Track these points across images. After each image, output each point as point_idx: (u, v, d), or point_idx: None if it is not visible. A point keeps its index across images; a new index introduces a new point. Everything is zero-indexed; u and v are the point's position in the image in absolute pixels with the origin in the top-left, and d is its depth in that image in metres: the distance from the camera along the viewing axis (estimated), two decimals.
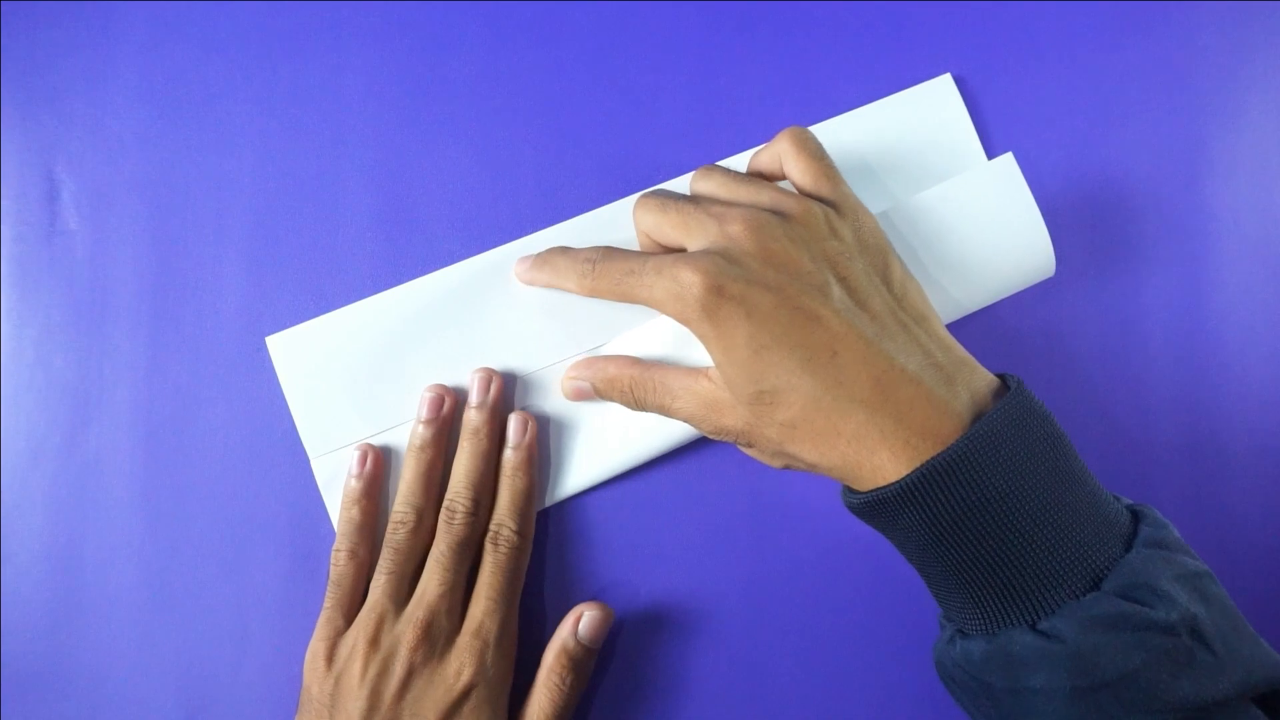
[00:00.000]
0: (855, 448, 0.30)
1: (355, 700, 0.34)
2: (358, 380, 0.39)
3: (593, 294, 0.35)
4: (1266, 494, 0.39)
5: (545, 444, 0.39)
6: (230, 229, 0.41)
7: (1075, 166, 0.40)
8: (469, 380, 0.38)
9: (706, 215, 0.32)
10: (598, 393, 0.37)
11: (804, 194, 0.34)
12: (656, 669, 0.38)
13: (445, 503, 0.37)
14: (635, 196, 0.37)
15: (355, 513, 0.38)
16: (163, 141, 0.41)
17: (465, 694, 0.35)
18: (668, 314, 0.32)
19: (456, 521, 0.37)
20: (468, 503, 0.37)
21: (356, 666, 0.35)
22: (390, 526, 0.37)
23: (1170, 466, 0.39)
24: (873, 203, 0.40)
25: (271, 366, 0.39)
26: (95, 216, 0.41)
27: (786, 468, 0.34)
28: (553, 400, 0.39)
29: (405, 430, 0.39)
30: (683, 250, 0.33)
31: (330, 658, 0.36)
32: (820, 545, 0.39)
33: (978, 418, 0.30)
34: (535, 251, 0.38)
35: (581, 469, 0.39)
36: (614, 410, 0.39)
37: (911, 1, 0.41)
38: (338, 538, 0.38)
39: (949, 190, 0.36)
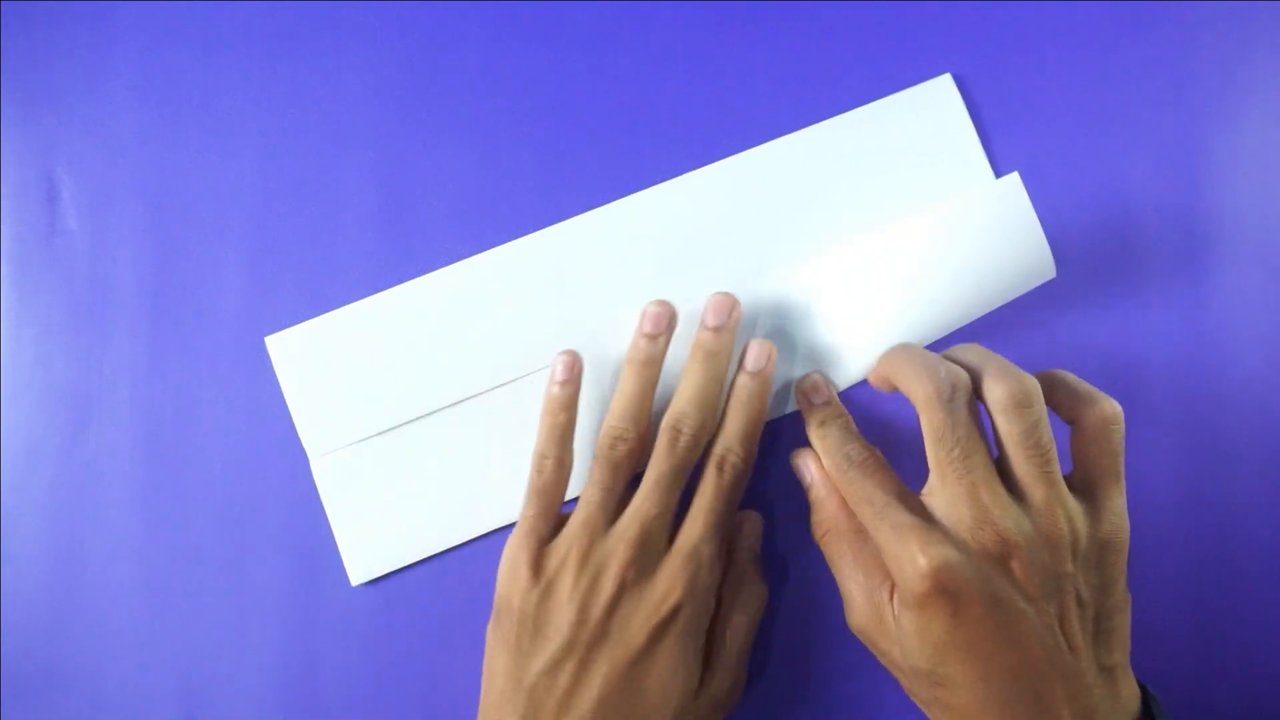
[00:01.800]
0: None
1: (564, 613, 0.34)
2: (357, 380, 0.39)
3: (837, 486, 0.35)
4: (1267, 494, 0.39)
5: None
6: (230, 229, 0.41)
7: (1075, 167, 0.40)
8: (706, 304, 0.37)
9: (972, 486, 0.31)
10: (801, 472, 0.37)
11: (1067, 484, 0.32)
12: None
13: (671, 421, 0.36)
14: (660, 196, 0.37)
15: (562, 419, 0.36)
16: (163, 141, 0.41)
17: (673, 615, 0.34)
18: (880, 549, 0.32)
19: (682, 443, 0.35)
20: (696, 425, 0.35)
21: (567, 580, 0.34)
22: (608, 441, 0.36)
23: (1170, 467, 0.39)
24: (872, 204, 0.40)
25: (271, 366, 0.39)
26: (95, 216, 0.41)
27: (909, 693, 0.34)
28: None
29: (406, 430, 0.39)
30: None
31: (537, 568, 0.35)
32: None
33: None
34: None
35: None
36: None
37: (911, 1, 0.41)
38: (542, 444, 0.36)
39: (952, 210, 0.36)
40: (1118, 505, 0.32)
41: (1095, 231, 0.40)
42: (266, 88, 0.41)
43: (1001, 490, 0.31)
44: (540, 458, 0.36)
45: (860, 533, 0.34)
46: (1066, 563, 0.31)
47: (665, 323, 0.37)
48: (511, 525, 0.38)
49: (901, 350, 0.35)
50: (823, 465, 0.36)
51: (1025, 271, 0.36)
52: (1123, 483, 0.33)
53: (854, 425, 0.36)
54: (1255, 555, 0.39)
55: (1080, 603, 0.31)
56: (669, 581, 0.34)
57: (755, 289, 0.39)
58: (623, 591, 0.34)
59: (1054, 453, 0.32)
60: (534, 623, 0.34)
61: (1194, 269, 0.40)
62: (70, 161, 0.41)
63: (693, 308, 0.38)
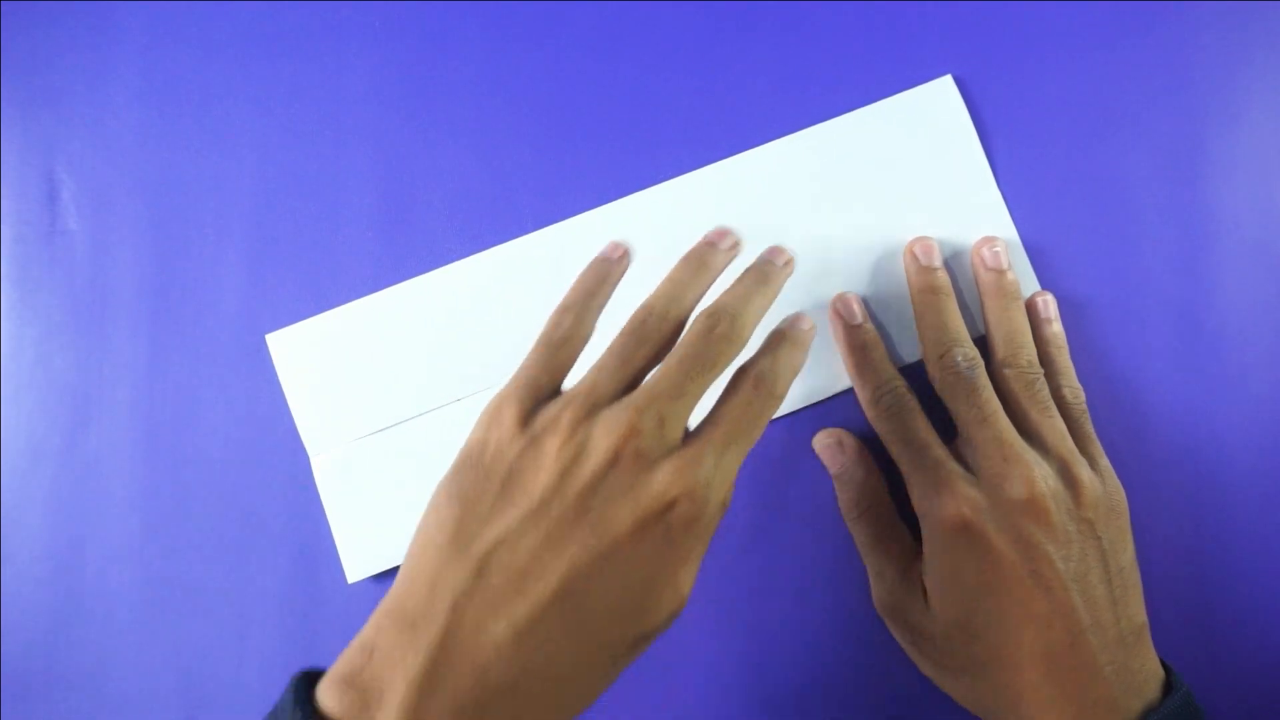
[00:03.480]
0: (1032, 716, 0.32)
1: (540, 473, 0.28)
2: (357, 378, 0.39)
3: (871, 421, 0.36)
4: (1267, 494, 0.39)
5: None
6: (230, 228, 0.41)
7: (1075, 167, 0.40)
8: (770, 248, 0.35)
9: (1000, 451, 0.33)
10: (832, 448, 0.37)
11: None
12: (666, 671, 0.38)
13: (710, 309, 0.31)
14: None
15: (595, 285, 0.32)
16: (163, 141, 0.41)
17: (664, 510, 0.28)
18: (913, 497, 0.34)
19: (718, 332, 0.30)
20: (738, 323, 0.31)
21: (554, 440, 0.28)
22: (639, 314, 0.31)
23: (1170, 466, 0.39)
24: (873, 205, 0.40)
25: (272, 365, 0.39)
26: (95, 216, 0.41)
27: (933, 677, 0.35)
28: None
29: (406, 428, 0.39)
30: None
31: (522, 421, 0.29)
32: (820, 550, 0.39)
33: (1145, 713, 0.32)
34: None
35: None
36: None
37: (912, 1, 0.41)
38: (569, 296, 0.32)
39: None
40: (1109, 466, 0.35)
41: (1095, 231, 0.40)
42: (266, 88, 0.41)
43: (1023, 441, 0.34)
44: (561, 311, 0.32)
45: (891, 508, 0.36)
46: (1087, 510, 0.33)
47: (730, 242, 0.34)
48: None
49: (928, 305, 0.37)
50: (857, 445, 0.37)
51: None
52: (1099, 445, 0.36)
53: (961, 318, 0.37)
54: (1255, 553, 0.39)
55: (1102, 555, 0.33)
56: (671, 475, 0.28)
57: None
58: (614, 468, 0.28)
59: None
60: (503, 480, 0.28)
61: (1192, 266, 0.40)
62: (70, 161, 0.41)
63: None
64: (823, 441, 0.38)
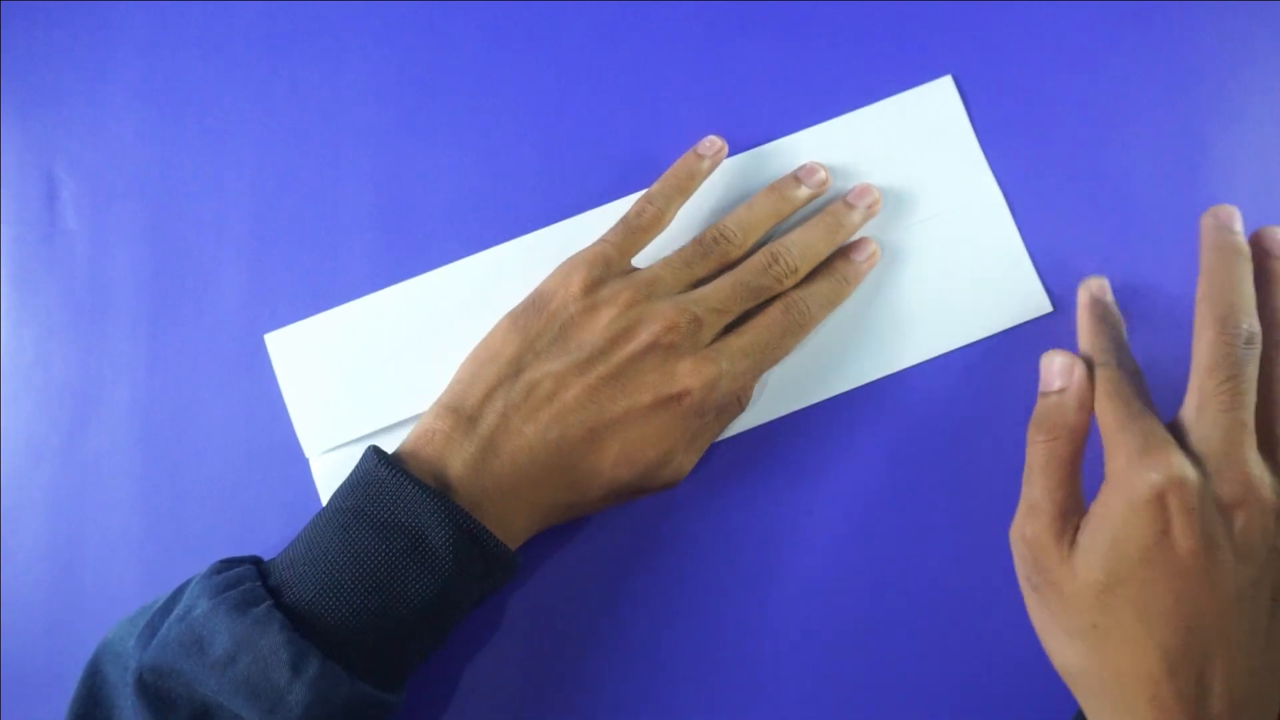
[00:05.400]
0: (1138, 707, 0.30)
1: (593, 334, 0.35)
2: (356, 378, 0.39)
3: (1101, 379, 0.33)
4: None
5: None
6: (230, 228, 0.41)
7: (1075, 168, 0.40)
8: (857, 190, 0.39)
9: (1231, 425, 0.30)
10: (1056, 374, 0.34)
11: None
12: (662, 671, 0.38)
13: (775, 246, 0.37)
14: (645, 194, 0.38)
15: (683, 180, 0.38)
16: (163, 141, 0.41)
17: (679, 396, 0.34)
18: (1109, 456, 0.31)
19: (775, 270, 0.36)
20: (796, 261, 0.36)
21: (611, 310, 0.35)
22: (711, 234, 0.37)
23: None
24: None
25: (271, 365, 0.39)
26: (95, 216, 0.41)
27: (1041, 627, 0.33)
28: None
29: (405, 429, 0.39)
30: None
31: (591, 286, 0.35)
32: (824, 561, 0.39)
33: None
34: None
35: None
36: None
37: (911, 2, 0.41)
38: (654, 189, 0.38)
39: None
40: None
41: (1095, 231, 0.40)
42: (266, 88, 0.41)
43: (1254, 440, 0.31)
44: (646, 200, 0.37)
45: (1080, 456, 0.33)
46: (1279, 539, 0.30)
47: (819, 179, 0.39)
48: None
49: (1223, 261, 0.33)
50: (1088, 378, 0.33)
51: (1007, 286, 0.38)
52: None
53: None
54: None
55: (1275, 590, 0.30)
56: (693, 367, 0.34)
57: None
58: (650, 351, 0.34)
59: None
60: (562, 328, 0.35)
61: (1191, 267, 0.40)
62: (70, 161, 0.41)
63: None
64: (1055, 359, 0.34)
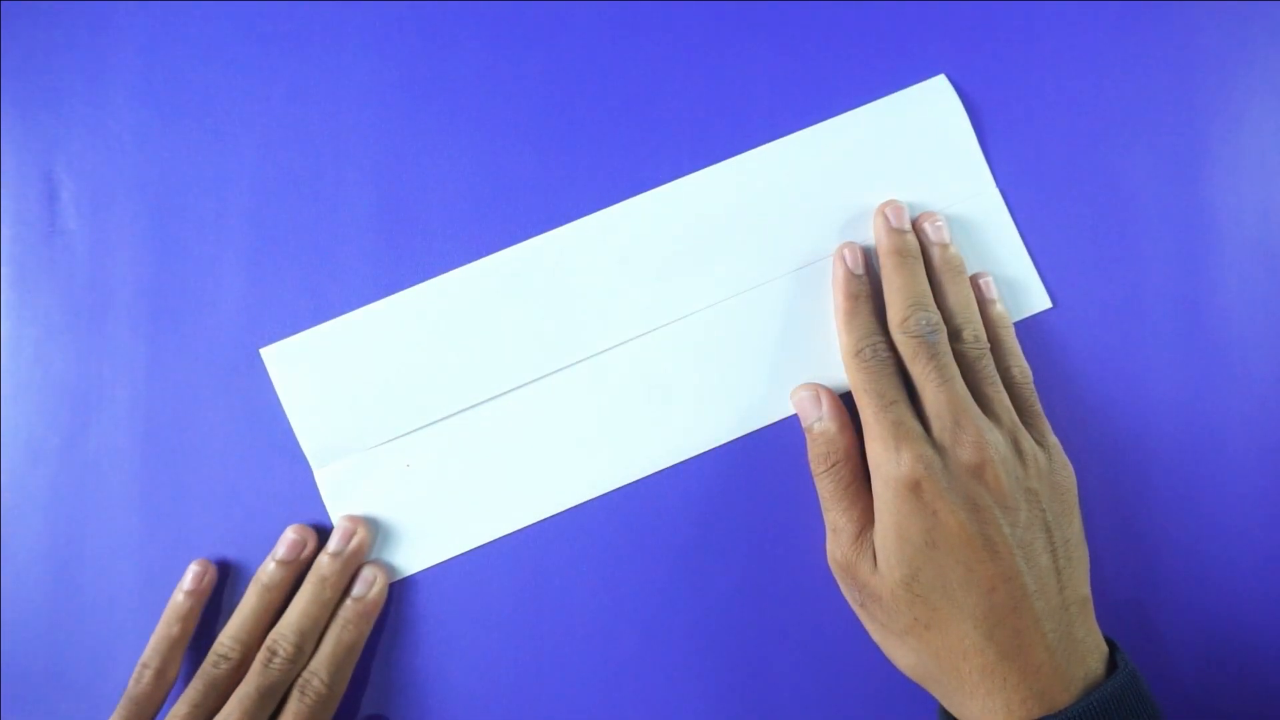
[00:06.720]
0: (974, 680, 0.32)
1: None
2: (358, 390, 0.39)
3: (848, 372, 0.37)
4: (1267, 494, 0.39)
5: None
6: (230, 228, 0.41)
7: (1074, 167, 0.40)
8: (335, 528, 0.38)
9: (954, 414, 0.34)
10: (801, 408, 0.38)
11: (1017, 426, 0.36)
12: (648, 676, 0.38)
13: (268, 642, 0.36)
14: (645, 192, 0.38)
15: (175, 630, 0.37)
16: (163, 141, 0.41)
17: None
18: (869, 452, 0.35)
19: (274, 665, 0.36)
20: (291, 648, 0.36)
21: None
22: (212, 658, 0.36)
23: (1170, 466, 0.39)
24: (871, 206, 0.40)
25: (266, 366, 0.39)
26: (95, 216, 0.41)
27: (880, 642, 0.35)
28: (549, 412, 0.39)
29: (406, 441, 0.39)
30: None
31: None
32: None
33: (1088, 688, 0.32)
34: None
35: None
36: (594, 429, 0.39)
37: (906, 0, 0.41)
38: (149, 652, 0.37)
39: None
40: (1057, 443, 0.36)
41: (1094, 231, 0.40)
42: (266, 88, 0.41)
43: (977, 407, 0.35)
44: (141, 665, 0.36)
45: (860, 467, 0.36)
46: (1033, 479, 0.34)
47: (298, 550, 0.38)
48: (512, 532, 0.39)
49: (900, 265, 0.37)
50: (835, 400, 0.37)
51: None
52: (1047, 423, 0.37)
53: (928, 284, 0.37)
54: (1255, 551, 0.39)
55: (1047, 526, 0.34)
56: None
57: (751, 296, 0.39)
58: None
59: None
60: None
61: (1192, 267, 0.40)
62: (70, 161, 0.41)
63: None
64: (800, 394, 0.38)
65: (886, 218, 0.38)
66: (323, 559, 0.38)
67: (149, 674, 0.36)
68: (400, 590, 0.39)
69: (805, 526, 0.39)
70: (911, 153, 0.40)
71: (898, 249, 0.38)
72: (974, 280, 0.39)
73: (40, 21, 0.41)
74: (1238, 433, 0.39)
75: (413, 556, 0.39)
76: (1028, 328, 0.40)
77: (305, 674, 0.36)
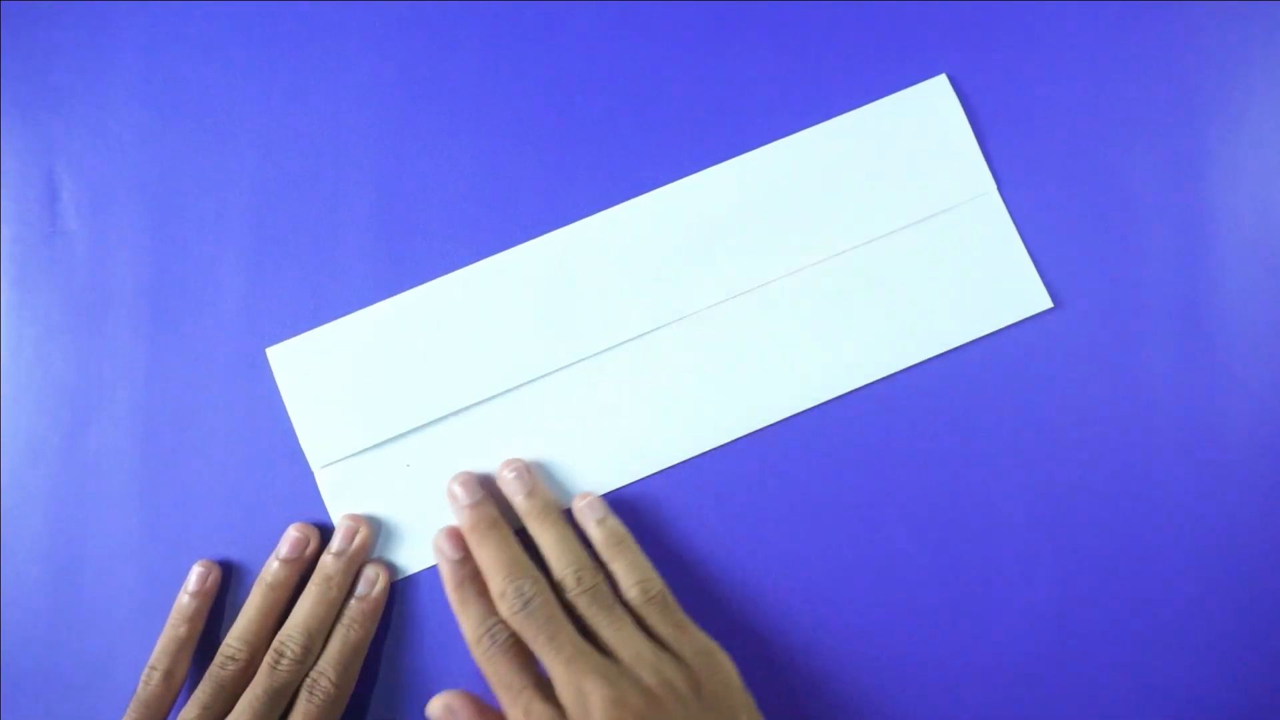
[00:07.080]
0: None
1: None
2: (360, 390, 0.39)
3: (476, 662, 0.35)
4: (1267, 494, 0.39)
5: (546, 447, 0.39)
6: (230, 228, 0.41)
7: (1075, 168, 0.40)
8: (338, 525, 0.38)
9: (577, 684, 0.33)
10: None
11: (664, 647, 0.34)
12: None
13: (275, 643, 0.36)
14: (619, 211, 0.38)
15: (183, 631, 0.37)
16: (163, 141, 0.41)
17: None
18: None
19: (282, 666, 0.36)
20: (299, 649, 0.36)
21: None
22: (219, 660, 0.36)
23: (1170, 466, 0.39)
24: (870, 207, 0.40)
25: (272, 367, 0.39)
26: (95, 217, 0.41)
27: None
28: (549, 412, 0.39)
29: (408, 442, 0.39)
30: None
31: None
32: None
33: None
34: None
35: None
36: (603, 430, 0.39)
37: (905, 1, 0.41)
38: (157, 654, 0.37)
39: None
40: (700, 634, 0.35)
41: (1094, 231, 0.40)
42: (266, 88, 0.41)
43: (598, 657, 0.33)
44: (150, 668, 0.37)
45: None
46: (681, 708, 0.33)
47: (300, 549, 0.38)
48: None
49: (482, 540, 0.37)
50: (469, 707, 0.35)
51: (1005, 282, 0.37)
52: (695, 629, 0.36)
53: (517, 546, 0.37)
54: (1255, 551, 0.39)
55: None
56: None
57: (752, 296, 0.39)
58: None
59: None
60: None
61: (1194, 269, 0.40)
62: (70, 161, 0.41)
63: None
64: (434, 713, 0.35)
65: (456, 495, 0.38)
66: (326, 559, 0.38)
67: (157, 676, 0.36)
68: (402, 589, 0.39)
69: (807, 526, 0.39)
70: (911, 153, 0.40)
71: (472, 525, 0.37)
72: (574, 506, 0.38)
73: (40, 21, 0.41)
74: (1238, 433, 0.39)
75: (414, 556, 0.39)
76: (1028, 328, 0.40)
77: (313, 674, 0.36)
